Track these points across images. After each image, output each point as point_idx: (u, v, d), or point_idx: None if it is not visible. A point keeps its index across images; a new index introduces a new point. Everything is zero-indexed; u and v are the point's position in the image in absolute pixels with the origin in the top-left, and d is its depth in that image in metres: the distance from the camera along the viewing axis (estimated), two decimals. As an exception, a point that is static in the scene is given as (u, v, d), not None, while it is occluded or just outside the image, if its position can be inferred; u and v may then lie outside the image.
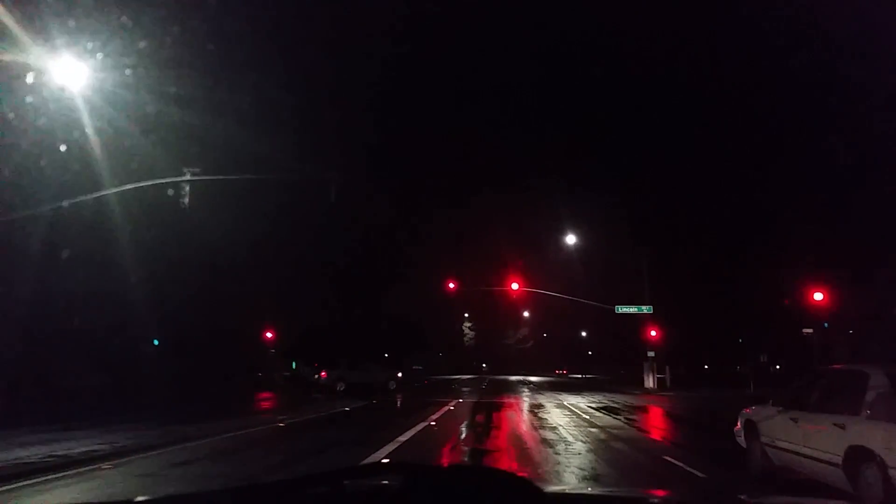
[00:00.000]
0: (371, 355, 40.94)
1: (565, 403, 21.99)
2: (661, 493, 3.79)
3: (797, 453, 6.52)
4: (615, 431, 13.12)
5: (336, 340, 54.98)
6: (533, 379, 60.82)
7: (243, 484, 1.88)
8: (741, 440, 8.21)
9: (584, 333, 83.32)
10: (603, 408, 20.50)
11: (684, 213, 45.53)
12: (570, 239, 38.91)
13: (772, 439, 7.22)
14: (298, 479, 1.74)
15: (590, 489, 5.75)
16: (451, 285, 39.11)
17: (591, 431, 12.85)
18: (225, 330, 38.55)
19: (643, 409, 21.31)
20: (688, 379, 41.27)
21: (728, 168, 43.68)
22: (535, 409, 19.45)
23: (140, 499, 1.81)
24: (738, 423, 8.34)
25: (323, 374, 29.69)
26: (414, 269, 60.71)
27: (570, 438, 11.47)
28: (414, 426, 13.17)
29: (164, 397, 21.69)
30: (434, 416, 15.86)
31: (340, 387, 28.47)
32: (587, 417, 16.33)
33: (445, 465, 8.07)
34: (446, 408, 19.05)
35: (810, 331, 23.14)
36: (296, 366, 55.86)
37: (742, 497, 2.72)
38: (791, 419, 6.77)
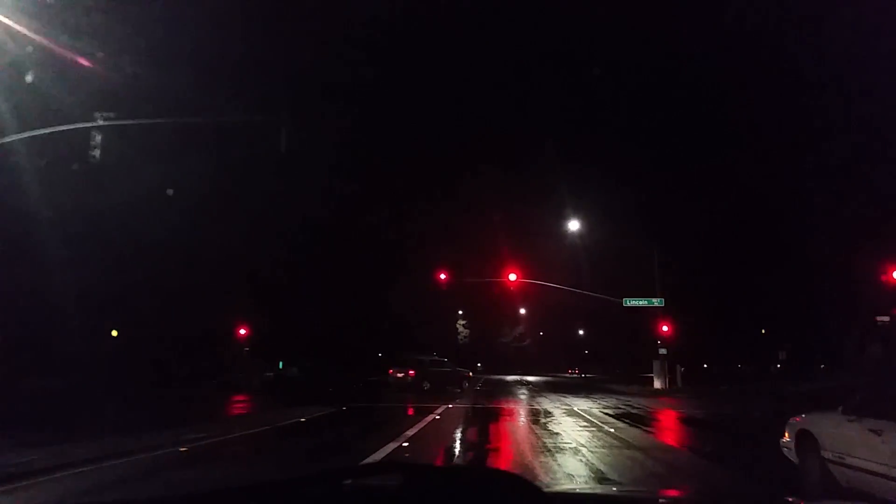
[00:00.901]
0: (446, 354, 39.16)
1: (576, 410, 18.11)
2: (674, 492, 4.07)
3: (880, 474, 5.21)
4: (665, 456, 9.24)
5: (328, 340, 51.17)
6: (530, 379, 57.15)
7: (242, 484, 1.74)
8: (790, 454, 6.94)
9: (581, 332, 79.87)
10: (623, 415, 16.69)
11: (696, 198, 41.76)
12: (573, 225, 34.99)
13: (839, 455, 5.86)
14: (298, 479, 1.75)
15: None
16: (443, 276, 35.57)
17: (631, 458, 8.95)
18: (192, 322, 34.69)
19: (671, 417, 17.47)
20: (692, 378, 37.37)
21: (749, 147, 39.68)
22: (542, 417, 15.57)
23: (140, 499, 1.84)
24: (787, 434, 7.04)
25: (411, 372, 29.98)
26: (404, 261, 56.28)
27: (609, 472, 7.57)
28: (378, 450, 9.27)
29: (96, 404, 17.87)
30: (411, 432, 11.94)
31: (426, 385, 29.03)
32: (612, 431, 12.45)
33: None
34: (431, 417, 15.13)
35: (886, 319, 19.41)
36: (282, 366, 51.88)
37: (790, 500, 2.83)
38: (871, 431, 5.41)
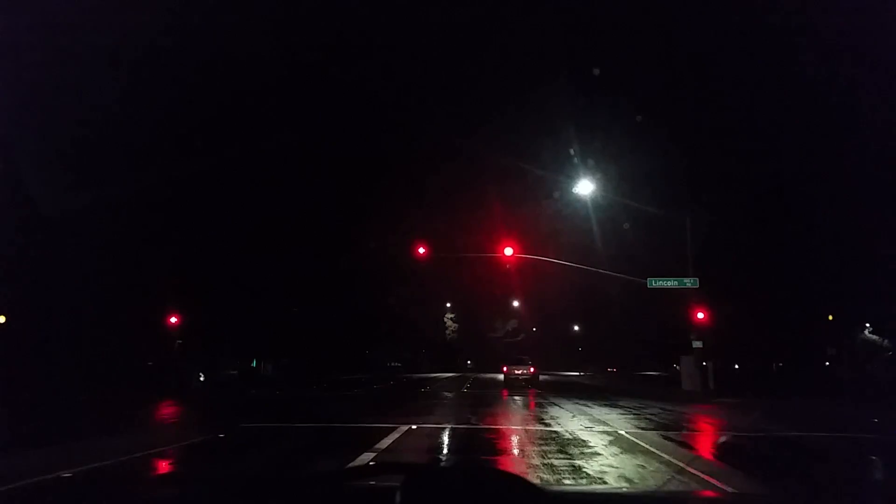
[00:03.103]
0: None
1: (623, 435, 10.77)
2: (676, 492, 4.21)
3: None
4: None
5: (307, 336, 44.64)
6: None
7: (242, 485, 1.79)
8: None
9: (576, 328, 73.29)
10: (708, 447, 9.56)
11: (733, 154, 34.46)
12: (584, 187, 27.54)
13: None
14: (298, 480, 1.86)
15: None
16: (421, 250, 28.77)
17: None
18: (108, 306, 27.43)
19: (777, 450, 10.19)
20: (724, 378, 30.04)
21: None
22: (577, 457, 8.29)
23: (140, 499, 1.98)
24: None
25: (532, 370, 32.24)
26: (383, 240, 48.78)
27: None
28: None
29: None
30: None
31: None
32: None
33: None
34: (368, 455, 7.79)
35: None
36: (256, 364, 44.76)
37: None
38: None
